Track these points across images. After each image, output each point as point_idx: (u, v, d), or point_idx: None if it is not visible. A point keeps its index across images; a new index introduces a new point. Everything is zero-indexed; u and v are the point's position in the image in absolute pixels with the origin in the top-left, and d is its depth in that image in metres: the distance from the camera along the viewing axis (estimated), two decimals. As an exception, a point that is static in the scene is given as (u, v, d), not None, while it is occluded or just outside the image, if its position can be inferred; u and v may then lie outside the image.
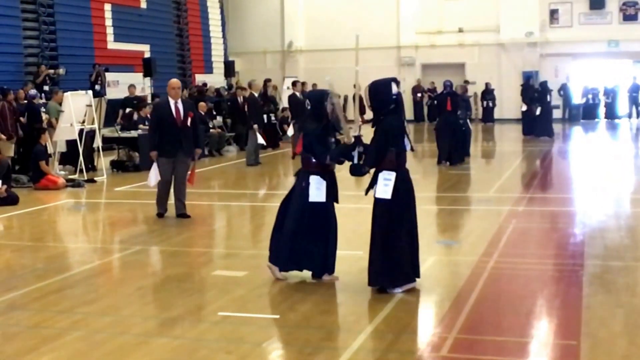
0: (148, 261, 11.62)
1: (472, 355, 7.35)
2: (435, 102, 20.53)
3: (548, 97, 31.31)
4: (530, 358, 7.29)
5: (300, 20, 45.29)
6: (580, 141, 32.85)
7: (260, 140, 23.43)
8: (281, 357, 7.33)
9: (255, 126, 23.37)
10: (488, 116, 41.09)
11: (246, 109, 24.62)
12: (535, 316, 8.43)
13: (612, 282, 9.62)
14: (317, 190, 9.56)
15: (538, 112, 31.16)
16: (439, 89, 28.61)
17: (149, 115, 22.65)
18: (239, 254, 11.74)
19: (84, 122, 20.74)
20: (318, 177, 9.58)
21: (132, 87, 27.21)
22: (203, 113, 27.07)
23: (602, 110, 42.37)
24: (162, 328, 8.12)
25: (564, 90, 40.52)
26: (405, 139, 9.25)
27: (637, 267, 10.51)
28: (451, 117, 22.26)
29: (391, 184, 9.02)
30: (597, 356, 7.16)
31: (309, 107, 9.92)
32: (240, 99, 26.81)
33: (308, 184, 9.59)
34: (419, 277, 9.29)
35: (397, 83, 9.45)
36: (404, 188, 9.09)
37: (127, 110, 25.58)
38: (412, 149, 9.42)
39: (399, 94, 9.35)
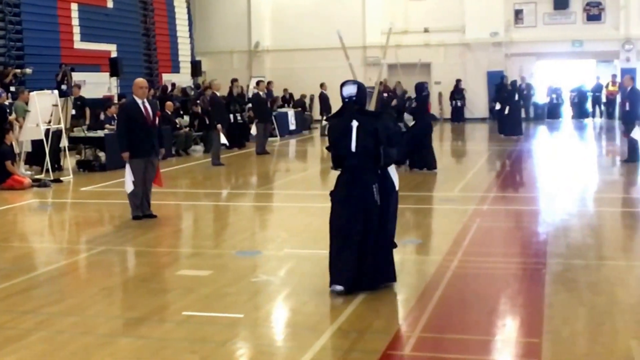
0: (113, 261, 11.56)
1: (435, 354, 7.39)
2: (415, 104, 20.46)
3: (517, 96, 31.54)
4: (493, 356, 7.35)
5: (267, 20, 45.27)
6: (545, 140, 33.07)
7: (223, 140, 23.46)
8: (244, 356, 7.32)
9: (219, 126, 23.39)
10: (457, 115, 41.29)
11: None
12: (498, 314, 8.49)
13: (574, 280, 9.70)
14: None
15: (506, 111, 31.42)
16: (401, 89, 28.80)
17: (115, 115, 22.59)
18: (203, 253, 11.72)
19: (50, 122, 20.63)
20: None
21: (76, 87, 27.01)
22: (170, 113, 27.03)
23: (567, 110, 42.70)
24: (126, 328, 8.11)
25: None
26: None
27: (599, 266, 10.60)
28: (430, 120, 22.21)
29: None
30: (558, 354, 7.22)
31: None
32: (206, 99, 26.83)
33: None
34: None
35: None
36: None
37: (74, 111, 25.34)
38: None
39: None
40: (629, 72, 37.33)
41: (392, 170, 9.43)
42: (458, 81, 41.27)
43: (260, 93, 27.21)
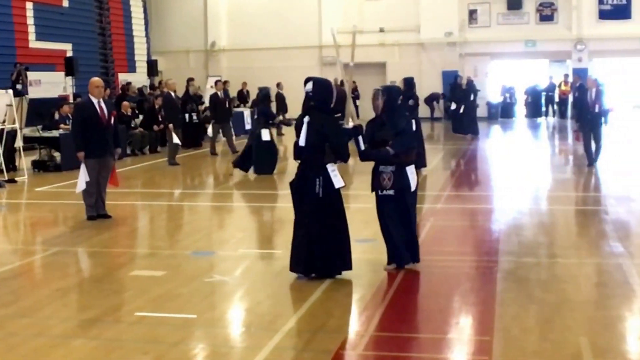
0: (67, 262, 11.48)
1: (388, 353, 7.45)
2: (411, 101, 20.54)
3: (472, 96, 31.70)
4: (445, 354, 7.41)
5: (223, 19, 45.18)
6: (499, 139, 33.31)
7: (176, 139, 23.45)
8: (197, 356, 7.32)
9: (171, 125, 23.42)
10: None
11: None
12: (450, 313, 8.57)
13: (525, 278, 9.81)
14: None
15: (461, 110, 31.62)
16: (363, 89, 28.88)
17: (69, 114, 22.44)
18: (158, 254, 11.70)
19: (4, 121, 20.47)
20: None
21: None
22: (126, 112, 26.91)
23: (520, 109, 43.04)
24: (79, 329, 8.09)
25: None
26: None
27: (550, 264, 10.72)
28: None
29: (338, 174, 9.67)
30: (509, 351, 7.31)
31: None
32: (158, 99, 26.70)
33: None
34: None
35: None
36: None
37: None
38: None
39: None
40: (581, 72, 37.87)
41: (410, 170, 9.86)
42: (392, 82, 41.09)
43: (219, 93, 27.14)
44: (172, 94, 24.38)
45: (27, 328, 8.11)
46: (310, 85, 9.69)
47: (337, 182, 9.55)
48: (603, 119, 21.42)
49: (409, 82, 21.01)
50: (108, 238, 13.05)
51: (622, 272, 10.09)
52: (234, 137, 27.33)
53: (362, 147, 9.84)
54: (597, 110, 20.81)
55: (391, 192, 9.87)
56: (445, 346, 7.58)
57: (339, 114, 10.82)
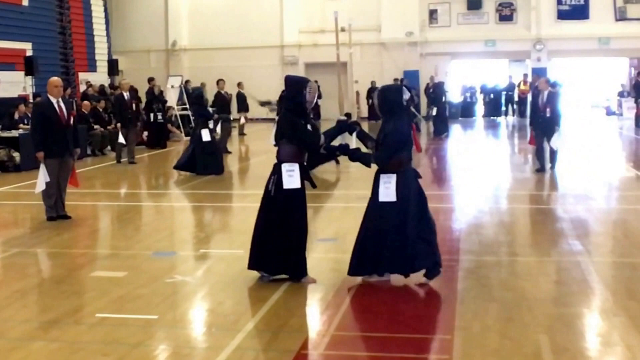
0: (27, 263, 11.37)
1: (349, 352, 7.46)
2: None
3: (443, 98, 32.04)
4: (406, 353, 7.43)
5: (184, 19, 45.08)
6: (460, 139, 33.47)
7: (121, 139, 23.69)
8: (158, 358, 7.28)
9: (119, 125, 23.72)
10: (374, 114, 41.40)
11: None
12: (411, 311, 8.60)
13: (486, 276, 9.87)
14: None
15: (434, 112, 32.05)
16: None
17: (28, 114, 22.28)
18: (119, 254, 11.63)
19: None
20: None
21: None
22: (86, 112, 26.76)
23: (480, 108, 43.31)
24: (39, 331, 8.01)
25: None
26: None
27: (510, 262, 10.80)
28: None
29: (296, 174, 9.39)
30: (469, 350, 7.35)
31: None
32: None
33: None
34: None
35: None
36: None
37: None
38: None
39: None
40: (540, 71, 38.21)
41: (385, 178, 9.34)
42: (373, 81, 41.08)
43: (222, 92, 27.05)
44: (126, 94, 24.33)
45: (-15, 331, 8.04)
46: (284, 84, 9.79)
47: (288, 182, 9.35)
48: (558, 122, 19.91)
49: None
50: (68, 239, 12.96)
51: (581, 269, 10.18)
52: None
53: (353, 145, 9.78)
54: (548, 114, 19.66)
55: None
56: (406, 345, 7.61)
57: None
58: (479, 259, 10.82)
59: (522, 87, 41.20)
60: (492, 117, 41.81)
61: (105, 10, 40.04)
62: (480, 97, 43.22)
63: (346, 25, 42.38)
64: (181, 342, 7.71)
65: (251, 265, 9.66)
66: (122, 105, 24.23)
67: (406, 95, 9.49)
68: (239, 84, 35.28)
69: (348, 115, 9.29)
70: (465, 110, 42.65)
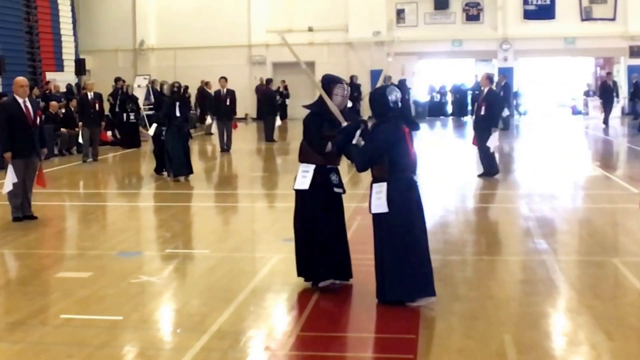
0: (-9, 264, 11.36)
1: (314, 352, 7.47)
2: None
3: (406, 95, 31.99)
4: (370, 352, 7.48)
5: (152, 18, 44.92)
6: (426, 138, 33.57)
7: (81, 139, 24.45)
8: (124, 358, 7.26)
9: (80, 124, 24.37)
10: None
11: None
12: (375, 311, 8.62)
13: (450, 276, 9.92)
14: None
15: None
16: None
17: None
18: (84, 255, 11.59)
19: None
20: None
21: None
22: (54, 112, 26.60)
23: (448, 108, 43.47)
24: (3, 332, 7.97)
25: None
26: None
27: (475, 261, 10.87)
28: None
29: (309, 175, 9.20)
30: (434, 349, 7.40)
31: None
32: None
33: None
34: None
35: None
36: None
37: None
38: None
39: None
40: (506, 71, 38.53)
41: (376, 187, 8.81)
42: (353, 76, 40.54)
43: (222, 90, 26.92)
44: (90, 94, 24.34)
45: (-51, 332, 7.98)
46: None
47: (298, 183, 9.26)
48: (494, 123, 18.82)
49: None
50: (34, 239, 12.89)
51: (546, 268, 10.25)
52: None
53: (354, 141, 9.01)
54: (482, 112, 18.82)
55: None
56: (371, 345, 7.66)
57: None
58: (444, 258, 10.83)
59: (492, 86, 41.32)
60: (459, 117, 41.91)
61: (73, 9, 39.80)
62: (449, 97, 43.36)
63: (312, 25, 42.64)
64: (147, 343, 7.68)
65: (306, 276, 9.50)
66: (84, 105, 24.31)
67: (392, 97, 8.89)
68: (207, 84, 35.25)
69: (361, 121, 8.72)
70: (434, 110, 42.78)
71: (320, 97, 9.30)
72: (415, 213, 8.77)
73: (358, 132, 8.96)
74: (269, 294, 9.21)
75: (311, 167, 9.23)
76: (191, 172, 19.31)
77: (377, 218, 8.82)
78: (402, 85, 32.34)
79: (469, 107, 42.44)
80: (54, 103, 27.15)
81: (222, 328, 8.00)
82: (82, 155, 24.39)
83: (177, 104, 19.42)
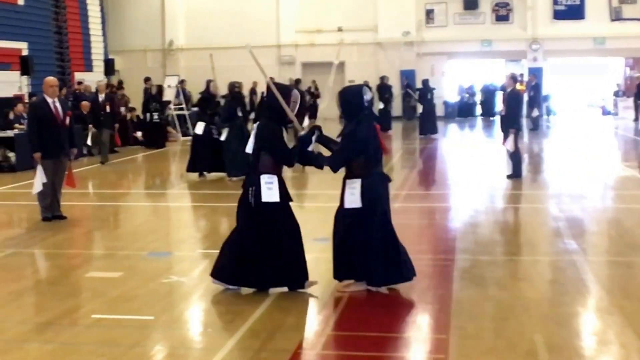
0: (22, 264, 11.39)
1: (345, 352, 7.47)
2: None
3: (429, 95, 31.81)
4: (401, 352, 7.46)
5: (181, 18, 45.00)
6: (456, 138, 33.50)
7: (89, 141, 24.75)
8: (154, 358, 7.28)
9: (90, 126, 24.35)
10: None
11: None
12: (407, 311, 8.62)
13: (481, 276, 9.89)
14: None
15: (420, 110, 31.92)
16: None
17: (24, 114, 22.25)
18: (114, 255, 11.63)
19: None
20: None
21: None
22: (85, 113, 26.66)
23: (477, 108, 43.29)
24: (34, 333, 8.01)
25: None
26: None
27: (505, 262, 10.82)
28: None
29: (274, 187, 9.04)
30: (465, 349, 7.36)
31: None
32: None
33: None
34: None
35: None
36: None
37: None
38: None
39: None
40: (536, 71, 38.28)
41: (350, 184, 9.09)
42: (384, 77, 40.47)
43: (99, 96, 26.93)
44: (100, 95, 24.30)
45: (-20, 331, 8.02)
46: (266, 89, 9.47)
47: (267, 195, 9.00)
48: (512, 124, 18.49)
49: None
50: (63, 239, 12.95)
51: (576, 268, 10.19)
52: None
53: (310, 148, 9.26)
54: (503, 112, 19.04)
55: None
56: (402, 345, 7.63)
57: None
58: (474, 258, 10.83)
59: (518, 86, 41.11)
60: (488, 117, 41.69)
61: (102, 9, 40.00)
62: (479, 97, 43.18)
63: (342, 25, 42.62)
64: (177, 343, 7.71)
65: (232, 281, 9.25)
66: (95, 107, 24.21)
67: (367, 96, 9.21)
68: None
69: (315, 127, 8.77)
70: (463, 110, 42.64)
71: (274, 107, 9.21)
72: (380, 207, 9.09)
73: (314, 138, 9.19)
74: (300, 293, 9.18)
75: (274, 178, 9.10)
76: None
77: (353, 211, 9.01)
78: (425, 85, 32.10)
79: (497, 108, 42.30)
80: (85, 103, 27.15)
81: (253, 327, 8.00)
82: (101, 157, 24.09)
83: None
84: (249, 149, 9.27)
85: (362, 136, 9.01)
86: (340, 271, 9.27)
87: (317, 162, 9.29)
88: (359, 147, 9.02)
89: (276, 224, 9.09)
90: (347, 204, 9.03)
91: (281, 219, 9.14)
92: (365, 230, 9.01)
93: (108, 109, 24.51)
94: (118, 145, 26.43)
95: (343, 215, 9.16)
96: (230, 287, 9.26)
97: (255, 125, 9.41)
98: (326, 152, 9.40)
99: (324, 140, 9.38)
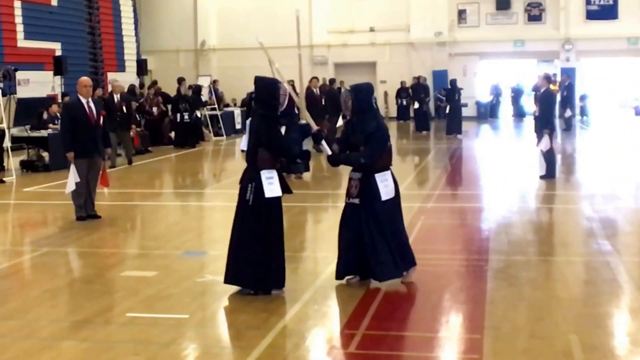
0: (57, 263, 11.46)
1: (379, 351, 7.45)
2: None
3: (456, 95, 31.69)
4: (436, 352, 7.44)
5: (213, 18, 45.14)
6: (487, 138, 33.39)
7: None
8: (189, 357, 7.31)
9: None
10: (403, 114, 41.24)
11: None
12: (441, 311, 8.61)
13: (515, 276, 9.86)
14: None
15: (447, 110, 31.80)
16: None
17: (58, 114, 22.39)
18: (149, 254, 11.70)
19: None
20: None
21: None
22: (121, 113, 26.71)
23: (509, 108, 43.10)
24: (69, 331, 8.06)
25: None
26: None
27: (539, 262, 10.78)
28: None
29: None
30: (499, 349, 7.35)
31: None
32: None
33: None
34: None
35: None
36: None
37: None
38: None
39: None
40: (568, 71, 38.01)
41: (381, 177, 9.33)
42: (403, 82, 40.54)
43: (315, 90, 26.91)
44: (116, 96, 24.08)
45: (16, 330, 8.09)
46: (254, 86, 9.39)
47: (269, 190, 9.00)
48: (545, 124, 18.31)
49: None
50: (98, 238, 13.02)
51: (610, 269, 10.15)
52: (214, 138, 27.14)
53: (329, 152, 9.43)
54: (537, 113, 19.11)
55: (356, 200, 9.38)
56: (436, 344, 7.62)
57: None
58: (508, 258, 10.80)
59: (551, 87, 40.88)
60: (519, 118, 41.52)
61: (134, 10, 40.21)
62: (509, 98, 43.00)
63: (374, 25, 42.58)
64: (211, 342, 7.74)
65: (228, 280, 9.25)
66: (110, 108, 24.01)
67: (375, 94, 9.78)
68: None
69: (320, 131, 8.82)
70: (494, 110, 42.54)
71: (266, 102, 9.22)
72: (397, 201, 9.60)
73: (323, 142, 9.35)
74: (334, 293, 9.21)
75: (274, 173, 9.13)
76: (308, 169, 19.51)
77: (367, 205, 9.29)
78: (453, 86, 31.98)
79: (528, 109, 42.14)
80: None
81: (287, 326, 8.04)
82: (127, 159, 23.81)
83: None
84: (243, 145, 9.31)
85: (386, 129, 9.59)
86: (345, 268, 9.48)
87: (352, 160, 9.43)
88: (387, 139, 9.49)
89: (274, 221, 9.13)
90: (384, 196, 9.28)
91: (277, 216, 9.18)
92: (392, 221, 9.43)
93: (125, 109, 24.27)
94: (136, 146, 26.38)
95: (354, 210, 9.41)
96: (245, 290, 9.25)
97: (248, 122, 9.42)
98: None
99: (327, 141, 9.51)
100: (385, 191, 9.32)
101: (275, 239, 9.14)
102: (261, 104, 9.31)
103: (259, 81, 9.40)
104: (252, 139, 9.18)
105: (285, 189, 9.27)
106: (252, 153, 9.12)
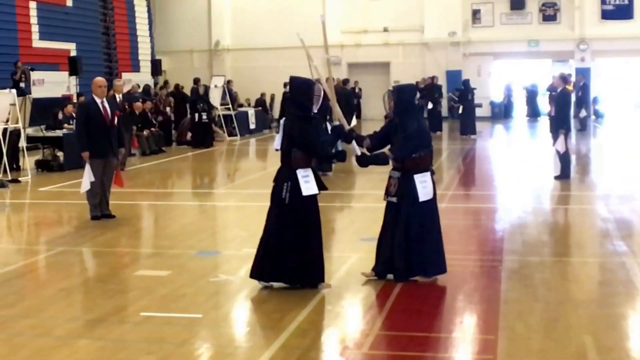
0: (71, 262, 11.51)
1: (393, 352, 7.47)
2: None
3: (469, 95, 31.62)
4: (449, 353, 7.44)
5: (227, 19, 45.16)
6: (501, 139, 33.33)
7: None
8: (203, 356, 7.33)
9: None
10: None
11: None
12: (455, 311, 8.61)
13: (530, 277, 9.84)
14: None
15: (460, 110, 31.74)
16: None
17: (73, 114, 22.44)
18: (162, 253, 11.70)
19: (7, 121, 20.47)
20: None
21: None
22: (137, 113, 26.72)
23: (523, 109, 43.03)
24: (84, 329, 8.09)
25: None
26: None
27: (554, 263, 10.75)
28: None
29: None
30: (514, 350, 7.34)
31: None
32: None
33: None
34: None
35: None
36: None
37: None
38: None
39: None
40: (583, 71, 37.90)
41: (420, 178, 9.43)
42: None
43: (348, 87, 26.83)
44: (118, 97, 23.97)
45: (31, 328, 8.12)
46: (288, 86, 9.54)
47: (306, 189, 9.08)
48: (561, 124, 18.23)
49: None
50: (112, 238, 13.04)
51: (625, 270, 10.12)
52: (229, 138, 27.09)
53: (358, 152, 9.54)
54: (552, 113, 19.08)
55: (394, 199, 9.50)
56: (450, 345, 7.61)
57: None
58: (522, 259, 10.78)
59: (567, 87, 40.78)
60: (533, 118, 41.42)
61: (149, 10, 40.33)
62: (524, 98, 42.93)
63: (387, 25, 42.53)
64: (225, 341, 7.75)
65: (254, 275, 9.34)
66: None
67: (418, 95, 9.88)
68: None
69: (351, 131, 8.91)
70: (508, 111, 42.47)
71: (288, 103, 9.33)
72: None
73: (354, 142, 9.52)
74: (348, 293, 9.21)
75: (310, 171, 9.21)
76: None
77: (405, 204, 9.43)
78: (466, 86, 31.91)
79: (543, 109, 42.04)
80: (138, 104, 27.04)
81: (301, 326, 8.02)
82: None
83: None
84: (277, 145, 9.34)
85: (429, 130, 9.84)
86: (384, 266, 9.60)
87: (380, 160, 9.60)
88: (429, 140, 9.65)
89: (309, 219, 9.17)
90: (422, 197, 9.40)
91: (314, 213, 9.24)
92: (429, 221, 9.57)
93: (126, 110, 24.14)
94: (135, 148, 26.11)
95: (391, 209, 9.54)
96: (265, 284, 9.34)
97: (281, 122, 9.45)
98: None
99: (358, 140, 9.63)
100: (424, 192, 9.42)
101: (315, 234, 9.22)
102: (295, 104, 9.39)
103: (294, 81, 9.45)
104: (285, 139, 9.24)
105: (321, 186, 9.33)
106: (287, 153, 9.20)
